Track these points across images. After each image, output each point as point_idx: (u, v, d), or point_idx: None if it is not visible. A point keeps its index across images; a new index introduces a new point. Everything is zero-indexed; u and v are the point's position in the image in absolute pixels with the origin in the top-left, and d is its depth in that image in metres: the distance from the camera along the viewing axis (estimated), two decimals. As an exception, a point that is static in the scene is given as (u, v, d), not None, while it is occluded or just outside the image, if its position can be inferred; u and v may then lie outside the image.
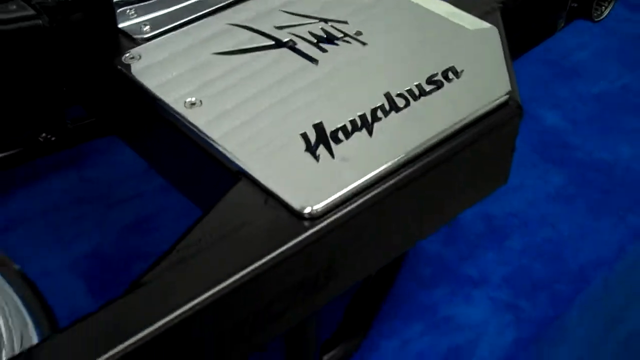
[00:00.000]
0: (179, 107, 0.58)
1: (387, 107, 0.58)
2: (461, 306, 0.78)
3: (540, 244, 0.85)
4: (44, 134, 0.80)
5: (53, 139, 0.80)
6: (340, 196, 0.52)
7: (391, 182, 0.54)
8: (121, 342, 0.45)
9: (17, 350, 0.49)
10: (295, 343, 0.59)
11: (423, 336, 0.76)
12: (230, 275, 0.48)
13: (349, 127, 0.56)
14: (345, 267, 0.55)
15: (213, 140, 0.56)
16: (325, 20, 0.66)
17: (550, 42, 1.11)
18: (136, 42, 0.65)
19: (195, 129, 0.57)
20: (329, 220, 0.51)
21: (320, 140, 0.55)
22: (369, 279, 0.71)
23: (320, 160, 0.54)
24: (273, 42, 0.65)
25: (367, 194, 0.53)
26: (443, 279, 0.81)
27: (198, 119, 0.58)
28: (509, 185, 0.89)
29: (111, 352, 0.44)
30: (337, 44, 0.64)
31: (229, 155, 0.55)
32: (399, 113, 0.58)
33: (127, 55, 0.63)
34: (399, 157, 0.55)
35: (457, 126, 0.57)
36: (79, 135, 0.83)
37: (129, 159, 0.92)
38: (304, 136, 0.56)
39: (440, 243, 0.84)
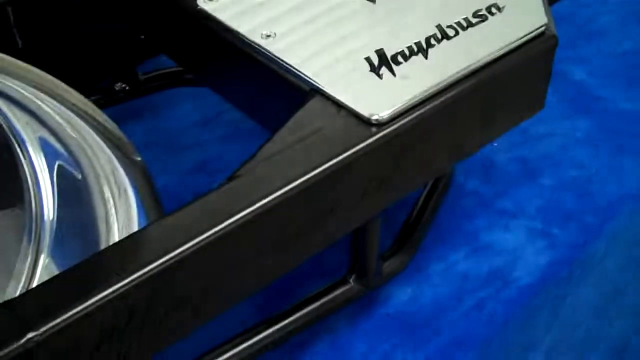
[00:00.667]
0: (256, 39, 0.67)
1: (439, 36, 0.66)
2: (499, 234, 0.86)
3: (570, 181, 0.92)
4: (119, 83, 0.88)
5: (127, 88, 0.89)
6: (402, 106, 0.60)
7: (446, 96, 0.62)
8: (222, 221, 0.53)
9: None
10: (359, 245, 0.67)
11: (466, 260, 0.83)
12: (308, 172, 0.56)
13: (407, 52, 0.65)
14: (406, 172, 0.63)
15: (289, 65, 0.64)
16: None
17: (575, 7, 1.19)
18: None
19: (272, 56, 0.65)
20: (393, 127, 0.59)
21: (383, 62, 0.64)
22: (422, 197, 0.78)
23: (383, 78, 0.62)
24: (334, -14, 0.73)
25: (425, 106, 0.61)
26: (482, 211, 0.89)
27: (274, 48, 0.66)
28: (541, 132, 0.98)
29: (212, 230, 0.52)
30: (390, -13, 0.72)
31: (302, 76, 0.63)
32: (450, 41, 0.66)
33: (204, -5, 0.71)
34: (452, 76, 0.63)
35: (501, 52, 0.65)
36: (148, 87, 0.92)
37: (190, 112, 1.01)
38: (368, 60, 0.64)
39: (477, 181, 0.92)
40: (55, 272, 0.59)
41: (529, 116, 0.72)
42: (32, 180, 0.58)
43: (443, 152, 0.65)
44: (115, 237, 0.58)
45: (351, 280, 0.69)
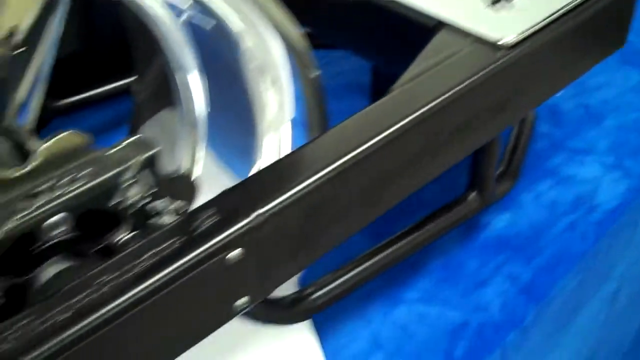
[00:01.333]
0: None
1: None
2: (577, 168, 0.95)
3: (632, 121, 1.02)
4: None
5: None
6: (524, 33, 0.69)
7: (559, 26, 0.71)
8: (388, 128, 0.61)
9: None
10: (481, 162, 0.76)
11: (551, 190, 0.92)
12: (448, 90, 0.65)
13: (518, -8, 0.74)
14: (525, 94, 0.72)
15: (416, 6, 0.73)
16: None
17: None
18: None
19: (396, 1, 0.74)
20: (518, 50, 0.69)
21: (498, -1, 0.73)
22: (514, 133, 0.87)
23: (502, 11, 0.72)
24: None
25: (543, 33, 0.70)
26: (557, 150, 0.98)
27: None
28: (599, 82, 1.07)
29: (381, 136, 0.60)
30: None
31: (428, 14, 0.72)
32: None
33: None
34: (561, 9, 0.72)
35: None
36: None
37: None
38: (485, -3, 0.73)
39: (549, 125, 1.01)
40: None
41: (612, 52, 0.82)
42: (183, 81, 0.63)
43: (554, 78, 0.74)
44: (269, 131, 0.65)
45: (472, 196, 0.78)
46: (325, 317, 0.75)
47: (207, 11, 0.64)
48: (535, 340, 0.84)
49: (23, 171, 0.49)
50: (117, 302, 0.48)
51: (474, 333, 0.76)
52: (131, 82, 0.83)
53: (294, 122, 0.66)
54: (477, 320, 0.77)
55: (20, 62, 0.57)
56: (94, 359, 0.48)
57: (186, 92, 0.62)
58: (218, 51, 0.66)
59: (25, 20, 0.57)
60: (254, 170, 0.64)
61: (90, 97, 0.92)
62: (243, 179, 0.56)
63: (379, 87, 0.86)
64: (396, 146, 0.61)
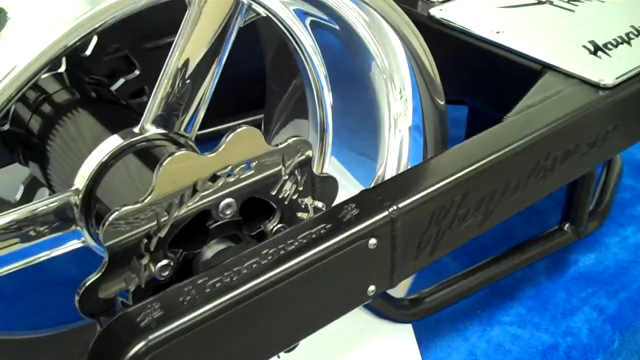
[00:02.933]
0: (488, 35, 0.85)
1: (635, 32, 0.84)
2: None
3: None
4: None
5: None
6: (623, 76, 0.78)
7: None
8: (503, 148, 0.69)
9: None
10: (577, 195, 0.83)
11: (635, 234, 0.99)
12: (556, 121, 0.73)
13: (614, 42, 0.83)
14: (621, 131, 0.79)
15: (523, 53, 0.82)
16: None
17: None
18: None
19: (505, 46, 0.83)
20: (618, 90, 0.77)
21: (598, 48, 0.82)
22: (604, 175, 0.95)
23: (602, 58, 0.80)
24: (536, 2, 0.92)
25: (635, 77, 0.79)
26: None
27: (505, 41, 0.84)
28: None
29: (497, 154, 0.69)
30: (582, 2, 0.91)
31: (535, 58, 0.81)
32: (642, 37, 0.84)
33: (437, 7, 0.90)
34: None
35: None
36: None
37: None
38: (585, 47, 0.82)
39: (632, 179, 1.08)
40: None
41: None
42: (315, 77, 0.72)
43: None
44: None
45: (566, 227, 0.85)
46: (426, 332, 0.82)
47: (333, 15, 0.72)
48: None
49: (210, 155, 0.58)
50: (275, 272, 0.56)
51: (563, 354, 0.82)
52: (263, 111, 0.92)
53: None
54: (566, 343, 0.83)
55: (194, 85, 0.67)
56: (251, 318, 0.56)
57: (319, 106, 0.72)
58: (343, 56, 0.75)
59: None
60: (379, 171, 0.72)
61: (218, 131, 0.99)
62: (359, 179, 0.64)
63: (475, 125, 0.94)
64: (508, 164, 0.69)
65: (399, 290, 0.78)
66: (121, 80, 0.83)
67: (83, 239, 0.68)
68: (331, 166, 0.78)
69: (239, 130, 0.58)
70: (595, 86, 0.76)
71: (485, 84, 0.87)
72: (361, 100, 0.75)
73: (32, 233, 0.65)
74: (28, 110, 0.76)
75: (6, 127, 0.78)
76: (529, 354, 0.82)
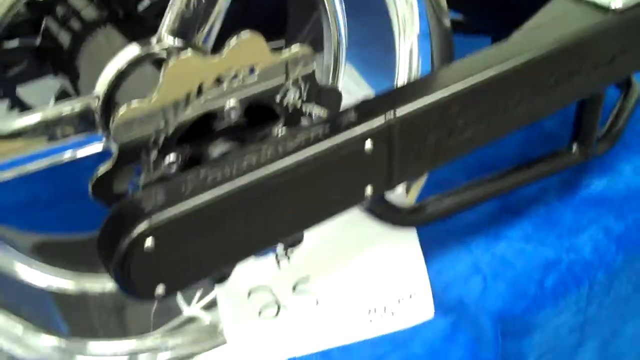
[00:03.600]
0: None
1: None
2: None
3: None
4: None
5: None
6: (629, 2, 0.79)
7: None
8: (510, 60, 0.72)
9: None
10: (587, 116, 0.86)
11: (650, 162, 1.00)
12: (561, 39, 0.75)
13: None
14: (630, 54, 0.81)
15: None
16: None
17: None
18: None
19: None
20: (626, 13, 0.78)
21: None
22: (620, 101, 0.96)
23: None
24: None
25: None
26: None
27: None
28: None
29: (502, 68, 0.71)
30: None
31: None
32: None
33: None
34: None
35: None
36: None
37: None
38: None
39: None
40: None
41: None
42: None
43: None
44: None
45: (575, 147, 0.87)
46: (433, 244, 0.86)
47: None
48: (623, 292, 0.92)
49: (215, 58, 0.62)
50: (272, 167, 0.61)
51: (565, 268, 0.86)
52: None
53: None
54: (569, 258, 0.86)
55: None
56: (247, 209, 0.60)
57: (332, 17, 0.75)
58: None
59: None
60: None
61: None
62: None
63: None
64: (510, 80, 0.72)
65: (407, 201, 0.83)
66: (147, 2, 0.88)
67: (104, 141, 0.74)
68: (354, 83, 0.82)
69: (242, 35, 0.62)
70: (604, 9, 0.78)
71: (496, 6, 0.89)
72: (374, 11, 0.78)
73: (58, 133, 0.70)
74: (58, 25, 0.82)
75: (38, 41, 0.83)
76: (531, 268, 0.85)
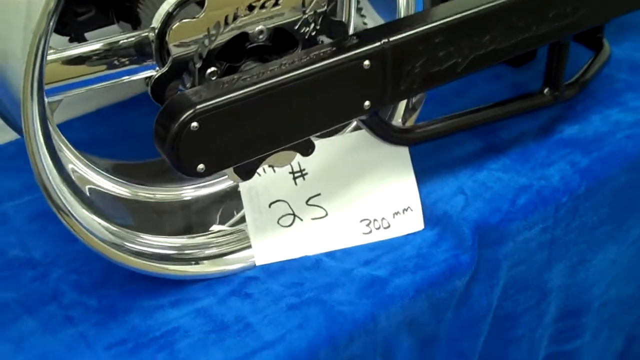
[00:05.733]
0: None
1: None
2: (643, 103, 1.19)
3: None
4: None
5: None
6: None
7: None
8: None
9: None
10: (556, 63, 1.02)
11: (618, 114, 1.16)
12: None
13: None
14: (588, 7, 0.98)
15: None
16: None
17: None
18: None
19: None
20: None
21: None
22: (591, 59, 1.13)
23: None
24: None
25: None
26: (629, 90, 1.22)
27: None
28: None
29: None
30: None
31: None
32: None
33: None
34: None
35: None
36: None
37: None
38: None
39: (626, 74, 1.26)
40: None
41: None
42: None
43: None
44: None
45: (546, 90, 1.04)
46: (424, 172, 1.03)
47: None
48: (588, 220, 1.08)
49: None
50: (288, 75, 0.78)
51: (535, 192, 1.02)
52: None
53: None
54: (539, 184, 1.03)
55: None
56: (268, 108, 0.78)
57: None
58: None
59: None
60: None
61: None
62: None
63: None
64: (480, 21, 0.89)
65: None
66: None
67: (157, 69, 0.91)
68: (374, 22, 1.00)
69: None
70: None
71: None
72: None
73: (115, 62, 0.88)
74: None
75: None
76: (506, 190, 1.02)
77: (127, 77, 0.88)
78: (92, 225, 0.82)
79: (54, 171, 0.77)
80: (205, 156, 0.77)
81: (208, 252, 0.93)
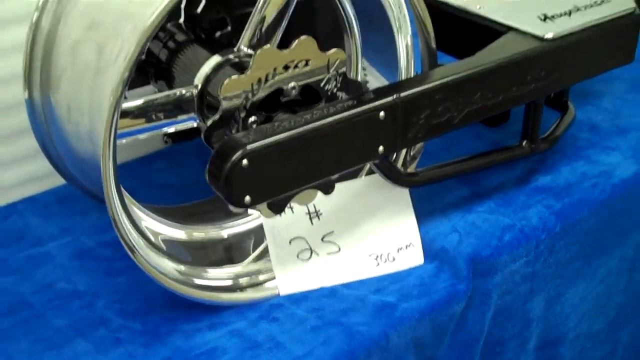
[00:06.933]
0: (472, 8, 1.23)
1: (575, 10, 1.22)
2: (605, 157, 1.37)
3: (649, 135, 1.43)
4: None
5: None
6: (561, 33, 1.15)
7: (581, 33, 1.17)
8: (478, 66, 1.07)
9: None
10: (533, 119, 1.20)
11: (584, 166, 1.34)
12: (512, 57, 1.10)
13: (559, 14, 1.20)
14: (559, 72, 1.16)
15: (495, 19, 1.20)
16: None
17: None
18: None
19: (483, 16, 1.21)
20: (556, 41, 1.14)
21: (547, 17, 1.19)
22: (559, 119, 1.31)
23: (548, 23, 1.18)
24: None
25: (572, 35, 1.16)
26: (592, 147, 1.40)
27: (483, 11, 1.22)
28: (628, 114, 1.49)
29: (474, 70, 1.06)
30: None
31: (504, 23, 1.19)
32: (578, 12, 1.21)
33: None
34: (583, 24, 1.18)
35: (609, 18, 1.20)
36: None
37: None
38: (539, 17, 1.20)
39: (589, 134, 1.44)
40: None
41: (624, 63, 1.25)
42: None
43: (578, 68, 1.19)
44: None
45: (524, 143, 1.22)
46: (422, 215, 1.18)
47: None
48: (563, 256, 1.24)
49: (286, 51, 0.96)
50: (316, 124, 0.94)
51: (518, 230, 1.18)
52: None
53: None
54: (521, 224, 1.19)
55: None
56: (299, 151, 0.93)
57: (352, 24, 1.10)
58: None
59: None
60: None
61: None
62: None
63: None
64: (466, 85, 1.06)
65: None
66: (218, 33, 1.22)
67: (198, 122, 1.07)
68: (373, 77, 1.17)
69: (302, 38, 0.96)
70: (540, 38, 1.13)
71: (466, 42, 1.24)
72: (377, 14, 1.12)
73: (153, 117, 1.02)
74: (159, 45, 1.16)
75: (143, 57, 1.17)
76: (494, 228, 1.17)
77: (165, 128, 1.03)
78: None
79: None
80: (251, 189, 0.91)
81: (242, 280, 1.06)
